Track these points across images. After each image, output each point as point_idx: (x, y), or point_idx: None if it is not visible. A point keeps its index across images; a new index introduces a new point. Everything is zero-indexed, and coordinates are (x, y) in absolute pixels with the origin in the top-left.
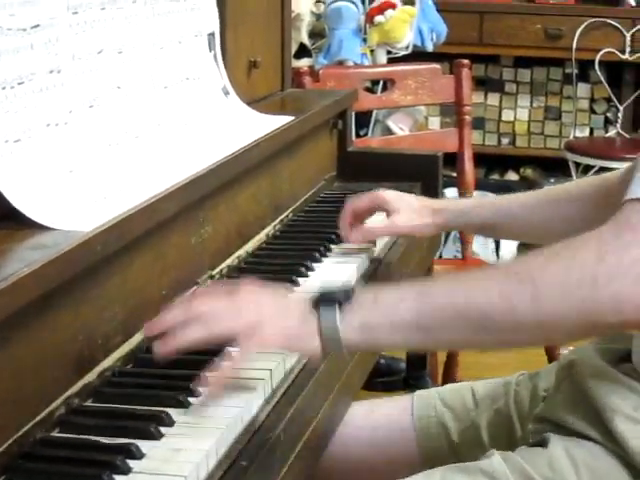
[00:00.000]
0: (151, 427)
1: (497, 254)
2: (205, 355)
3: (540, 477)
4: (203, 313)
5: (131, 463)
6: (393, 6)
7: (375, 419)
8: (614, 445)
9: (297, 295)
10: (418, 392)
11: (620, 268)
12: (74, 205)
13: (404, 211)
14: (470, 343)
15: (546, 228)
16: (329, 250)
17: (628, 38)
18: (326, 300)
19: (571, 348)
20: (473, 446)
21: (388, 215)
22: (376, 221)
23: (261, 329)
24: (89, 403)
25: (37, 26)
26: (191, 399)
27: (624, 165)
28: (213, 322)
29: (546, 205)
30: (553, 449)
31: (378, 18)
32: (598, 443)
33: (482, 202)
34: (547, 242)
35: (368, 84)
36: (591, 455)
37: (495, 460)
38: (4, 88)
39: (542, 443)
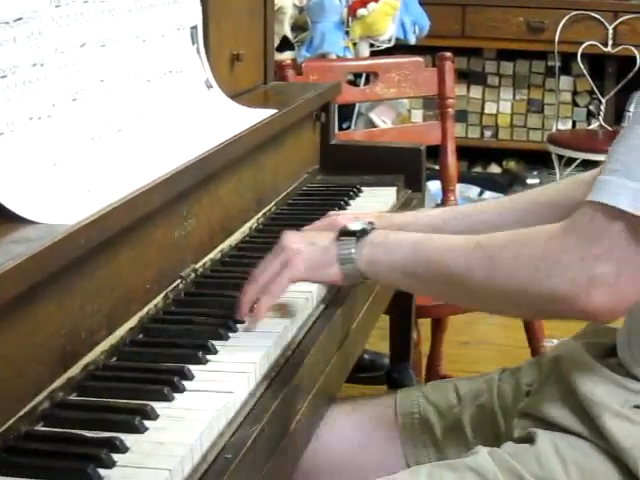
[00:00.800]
0: (135, 420)
1: None
2: (189, 349)
3: (528, 474)
4: (265, 284)
5: (115, 457)
6: None
7: (358, 417)
8: (602, 441)
9: (327, 232)
10: (401, 390)
11: (559, 267)
12: (58, 198)
13: None
14: (442, 297)
15: None
16: None
17: (610, 31)
18: (347, 233)
19: (556, 342)
20: (457, 442)
21: None
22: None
23: (291, 263)
24: (73, 397)
25: (20, 19)
26: (175, 392)
27: None
28: (275, 289)
29: (524, 211)
30: (541, 445)
31: (361, 11)
32: (586, 439)
33: (455, 214)
34: None
35: (351, 77)
36: (579, 451)
37: (482, 457)
38: None
39: (529, 439)
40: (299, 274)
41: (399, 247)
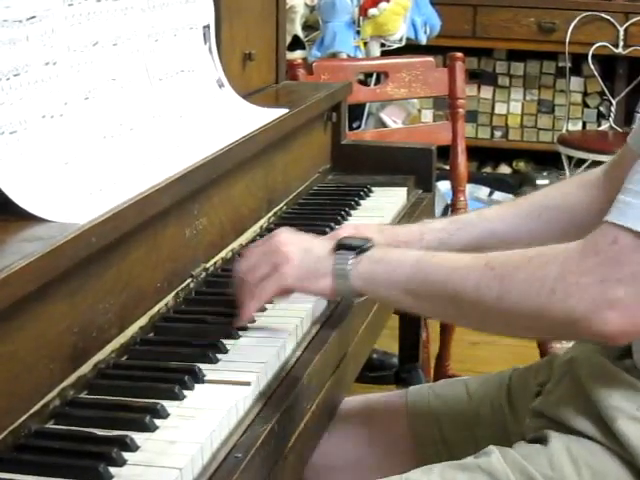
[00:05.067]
0: (146, 419)
1: None
2: (200, 348)
3: (541, 476)
4: (253, 287)
5: (126, 455)
6: None
7: (368, 414)
8: (616, 445)
9: (323, 239)
10: (412, 387)
11: (576, 289)
12: (69, 197)
13: None
14: (447, 316)
15: (534, 243)
16: None
17: (621, 32)
18: (345, 246)
19: (565, 343)
20: (467, 440)
21: None
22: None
23: (281, 271)
24: (84, 395)
25: (33, 18)
26: (185, 391)
27: None
28: (262, 293)
29: (529, 217)
30: (553, 447)
31: (372, 11)
32: (599, 442)
33: (461, 224)
34: None
35: (361, 77)
36: (592, 454)
37: (494, 458)
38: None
39: (541, 440)
40: (288, 283)
41: (400, 264)
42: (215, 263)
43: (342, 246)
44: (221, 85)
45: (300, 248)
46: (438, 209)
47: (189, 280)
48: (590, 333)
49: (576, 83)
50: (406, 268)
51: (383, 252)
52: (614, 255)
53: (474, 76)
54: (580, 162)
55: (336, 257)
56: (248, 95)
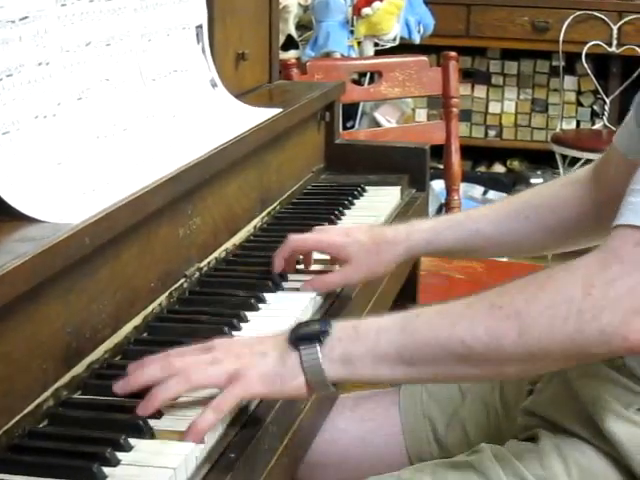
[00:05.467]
0: (139, 419)
1: None
2: None
3: (531, 474)
4: (181, 367)
5: (120, 455)
6: None
7: (362, 412)
8: (605, 445)
9: (273, 336)
10: (404, 385)
11: (606, 302)
12: (62, 197)
13: (355, 257)
14: (455, 376)
15: (522, 243)
16: None
17: (615, 31)
18: (304, 336)
19: None
20: (459, 438)
21: (338, 263)
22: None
23: (242, 376)
24: (78, 395)
25: (26, 18)
26: None
27: None
28: (194, 375)
29: (517, 217)
30: (544, 446)
31: (365, 10)
32: (589, 442)
33: (448, 224)
34: (524, 255)
35: (355, 76)
36: (582, 454)
37: (486, 456)
38: None
39: (532, 439)
40: (255, 391)
41: (382, 334)
42: (209, 263)
43: (299, 338)
44: (214, 85)
45: (252, 352)
46: (432, 208)
47: (183, 280)
48: (628, 346)
49: (570, 82)
50: (391, 337)
51: (352, 329)
52: (638, 258)
53: (468, 75)
54: (574, 161)
55: (301, 354)
56: (241, 95)
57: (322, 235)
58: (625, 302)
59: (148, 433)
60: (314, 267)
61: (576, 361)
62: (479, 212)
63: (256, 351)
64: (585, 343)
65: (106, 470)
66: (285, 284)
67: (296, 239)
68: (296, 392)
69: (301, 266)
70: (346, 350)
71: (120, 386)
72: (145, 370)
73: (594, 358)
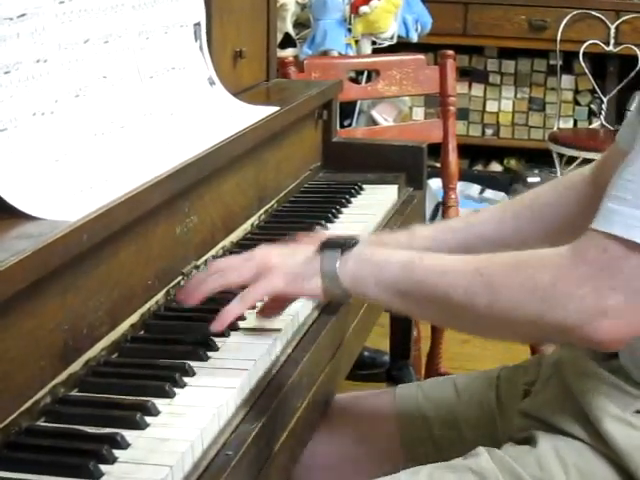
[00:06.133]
0: (136, 417)
1: None
2: (190, 345)
3: (529, 476)
4: (221, 268)
5: (116, 453)
6: None
7: (358, 412)
8: (602, 446)
9: (305, 244)
10: (400, 386)
11: (569, 300)
12: (60, 195)
13: None
14: (438, 321)
15: (525, 245)
16: None
17: (612, 30)
18: (330, 245)
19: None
20: (455, 439)
21: None
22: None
23: (270, 272)
24: (74, 393)
25: (23, 15)
26: (176, 388)
27: None
28: (229, 273)
29: (519, 218)
30: (541, 448)
31: (363, 8)
32: (586, 443)
33: (449, 231)
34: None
35: (352, 74)
36: (580, 455)
37: (483, 459)
38: None
39: (529, 440)
40: (278, 286)
41: (388, 265)
42: (206, 261)
43: (327, 245)
44: (212, 83)
45: (283, 253)
46: (429, 207)
47: (180, 278)
48: (584, 341)
49: (567, 81)
50: (394, 269)
51: (370, 251)
52: (605, 264)
53: (465, 74)
54: (571, 160)
55: (323, 257)
56: (239, 93)
57: (319, 236)
58: (587, 303)
59: (145, 430)
60: None
61: (538, 340)
62: (479, 217)
63: (287, 251)
64: (543, 327)
65: (103, 467)
66: None
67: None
68: (312, 291)
69: None
70: (359, 267)
71: (181, 292)
72: (195, 277)
73: (554, 342)
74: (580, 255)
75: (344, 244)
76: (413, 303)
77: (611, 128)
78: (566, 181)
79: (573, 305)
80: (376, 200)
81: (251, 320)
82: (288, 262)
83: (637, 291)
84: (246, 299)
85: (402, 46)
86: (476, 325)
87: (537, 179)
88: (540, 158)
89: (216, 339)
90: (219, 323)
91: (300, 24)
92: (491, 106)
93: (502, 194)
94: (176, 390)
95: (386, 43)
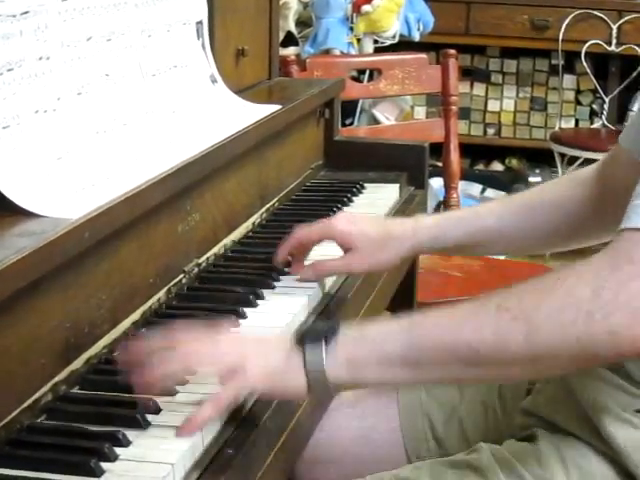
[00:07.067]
0: (138, 415)
1: None
2: None
3: (529, 474)
4: (185, 352)
5: (118, 450)
6: None
7: (360, 409)
8: (603, 445)
9: (279, 335)
10: None
11: (617, 303)
12: (62, 192)
13: (361, 247)
14: (461, 378)
15: (527, 239)
16: None
17: (614, 30)
18: (311, 336)
19: None
20: (458, 436)
21: (343, 250)
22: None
23: (244, 371)
24: (76, 390)
25: (26, 13)
26: (177, 386)
27: None
28: (195, 361)
29: (525, 213)
30: (542, 446)
31: (365, 7)
32: (587, 442)
33: (455, 220)
34: (531, 252)
35: (354, 73)
36: (580, 454)
37: (484, 455)
38: None
39: (531, 438)
40: (254, 386)
41: (388, 336)
42: (207, 259)
43: (305, 338)
44: (214, 81)
45: (257, 349)
46: (430, 206)
47: (181, 276)
48: (637, 349)
49: (569, 81)
50: (397, 339)
51: (358, 330)
52: None
53: (467, 73)
54: (573, 160)
55: (306, 348)
56: (241, 91)
57: (328, 223)
58: (637, 303)
59: (147, 427)
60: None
61: (583, 365)
62: (486, 208)
63: (261, 346)
64: (593, 346)
65: (104, 465)
66: (284, 281)
67: (301, 230)
68: (295, 392)
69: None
70: (351, 352)
71: (124, 350)
72: (149, 343)
73: (601, 362)
74: (618, 257)
75: (326, 332)
76: (428, 369)
77: (613, 128)
78: (572, 179)
79: (622, 311)
80: (378, 199)
81: (252, 317)
82: (265, 361)
83: None
84: (219, 403)
85: (404, 45)
86: (510, 368)
87: (538, 179)
88: (542, 158)
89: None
90: (187, 430)
91: (302, 23)
92: (493, 105)
93: (503, 194)
94: (178, 387)
95: (388, 42)
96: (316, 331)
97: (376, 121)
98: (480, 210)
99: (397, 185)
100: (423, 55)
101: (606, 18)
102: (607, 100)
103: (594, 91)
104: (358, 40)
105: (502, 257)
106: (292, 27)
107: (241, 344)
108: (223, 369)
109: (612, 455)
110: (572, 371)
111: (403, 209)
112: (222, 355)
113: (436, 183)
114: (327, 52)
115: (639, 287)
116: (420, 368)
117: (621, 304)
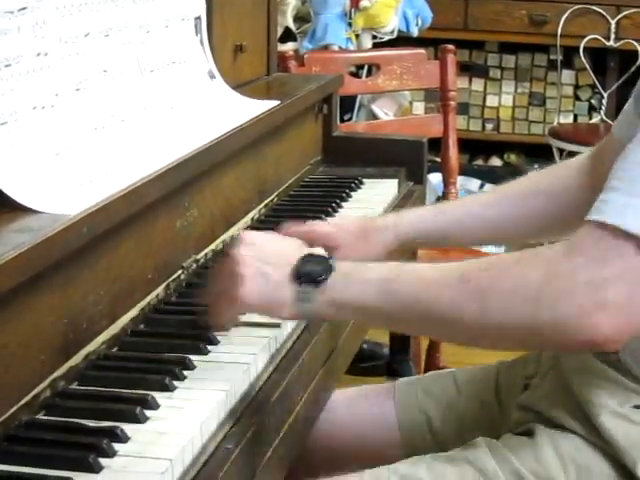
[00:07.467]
0: (136, 410)
1: None
2: (191, 339)
3: (526, 469)
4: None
5: (116, 446)
6: None
7: (358, 406)
8: (600, 441)
9: (286, 257)
10: (400, 380)
11: (565, 294)
12: (60, 188)
13: (343, 244)
14: (424, 334)
15: (518, 228)
16: None
17: (613, 25)
18: (305, 275)
19: None
20: (455, 433)
21: (327, 250)
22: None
23: (242, 287)
24: (74, 386)
25: (24, 9)
26: (176, 382)
27: None
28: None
29: (514, 202)
30: (539, 441)
31: (363, 3)
32: (584, 438)
33: (440, 209)
34: (519, 241)
35: (353, 69)
36: (577, 449)
37: (482, 450)
38: None
39: (528, 433)
40: (243, 308)
41: (366, 286)
42: (206, 254)
43: (302, 273)
44: (212, 77)
45: (257, 269)
46: (429, 201)
47: (180, 271)
48: (582, 341)
49: (567, 76)
50: (373, 288)
51: (344, 275)
52: (599, 253)
53: (465, 68)
54: (571, 155)
55: (297, 291)
56: (239, 87)
57: (312, 226)
58: (584, 296)
59: (144, 422)
60: None
61: (533, 347)
62: (473, 198)
63: (260, 271)
64: (539, 330)
65: (103, 461)
66: None
67: (290, 231)
68: (282, 317)
69: None
70: (336, 294)
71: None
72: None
73: (552, 349)
74: (573, 248)
75: (320, 273)
76: (398, 321)
77: (611, 123)
78: (562, 168)
79: (569, 301)
80: (376, 194)
81: (251, 314)
82: (259, 283)
83: (633, 282)
84: (215, 318)
85: (402, 40)
86: (466, 336)
87: None
88: (540, 153)
89: (216, 332)
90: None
91: (300, 18)
92: (491, 101)
93: None
94: (176, 384)
95: (386, 37)
96: (313, 271)
97: (375, 117)
98: (467, 199)
99: (396, 180)
100: (421, 50)
101: (604, 13)
102: (605, 95)
103: (592, 86)
104: (356, 36)
105: (502, 252)
106: (290, 23)
107: (246, 267)
108: (223, 286)
109: (609, 451)
110: (525, 350)
111: (402, 204)
112: (227, 276)
113: (435, 178)
114: (325, 48)
115: (586, 279)
116: (391, 319)
117: (567, 297)
